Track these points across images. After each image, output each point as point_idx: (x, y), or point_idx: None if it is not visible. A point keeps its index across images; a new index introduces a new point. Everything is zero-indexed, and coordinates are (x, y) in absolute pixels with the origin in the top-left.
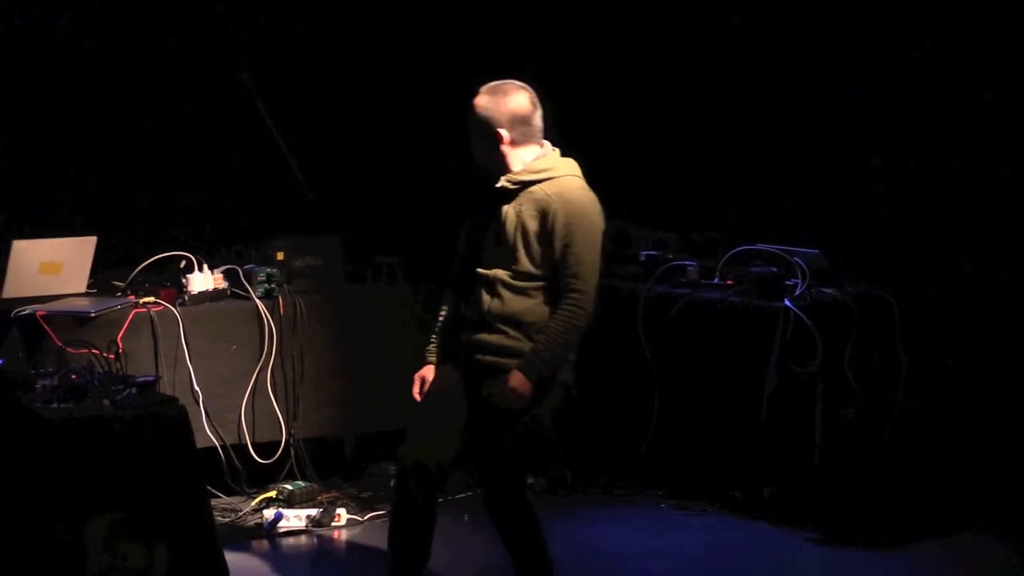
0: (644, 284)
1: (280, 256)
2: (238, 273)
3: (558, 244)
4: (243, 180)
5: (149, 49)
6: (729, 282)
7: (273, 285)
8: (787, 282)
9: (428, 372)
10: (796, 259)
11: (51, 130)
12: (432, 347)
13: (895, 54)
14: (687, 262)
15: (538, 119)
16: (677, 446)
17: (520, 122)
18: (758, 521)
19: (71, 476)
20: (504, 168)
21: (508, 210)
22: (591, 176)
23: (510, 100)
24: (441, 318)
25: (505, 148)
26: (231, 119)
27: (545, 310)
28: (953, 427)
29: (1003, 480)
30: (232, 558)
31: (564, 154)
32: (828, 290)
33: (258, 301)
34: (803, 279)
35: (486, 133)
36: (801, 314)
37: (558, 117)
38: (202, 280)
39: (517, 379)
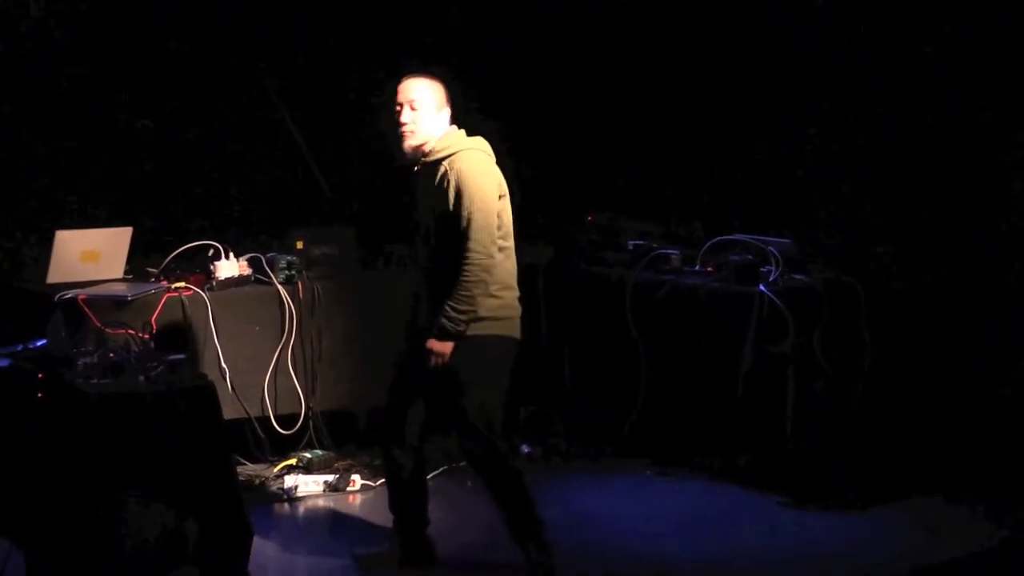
0: (631, 271)
1: (300, 245)
2: (261, 261)
3: (450, 203)
4: (265, 176)
5: (178, 53)
6: (709, 269)
7: (293, 272)
8: (762, 269)
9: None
10: (770, 248)
11: (91, 133)
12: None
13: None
14: (671, 251)
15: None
16: (661, 418)
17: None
18: (734, 487)
19: (109, 445)
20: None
21: (418, 188)
22: (585, 173)
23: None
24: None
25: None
26: (254, 120)
27: None
28: (913, 400)
29: (959, 448)
30: (257, 520)
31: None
32: (800, 276)
33: (279, 286)
34: (777, 266)
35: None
36: (775, 298)
37: (554, 118)
38: (228, 267)
39: (433, 344)
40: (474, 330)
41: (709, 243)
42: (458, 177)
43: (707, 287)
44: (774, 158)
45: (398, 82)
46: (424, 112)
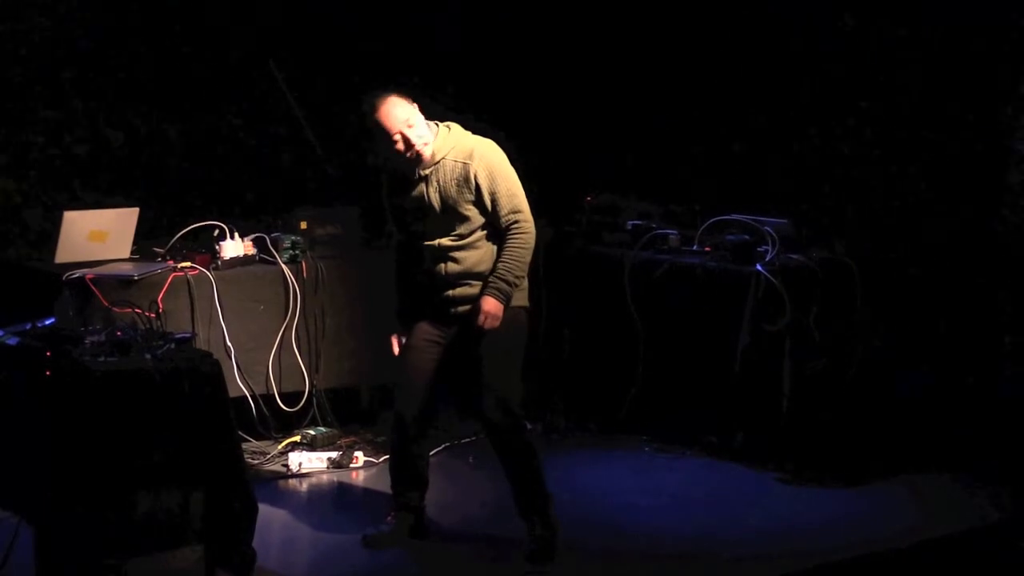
0: (631, 250)
1: (303, 225)
2: (266, 240)
3: (486, 195)
4: (270, 157)
5: (194, 41)
6: (707, 249)
7: (297, 251)
8: (758, 248)
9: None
10: (766, 228)
11: (103, 115)
12: (401, 312)
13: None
14: (669, 231)
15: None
16: (659, 396)
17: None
18: (731, 463)
19: (117, 423)
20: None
21: (427, 187)
22: (585, 153)
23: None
24: (400, 288)
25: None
26: (259, 101)
27: (491, 253)
28: (907, 378)
29: (954, 425)
30: (262, 496)
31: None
32: (795, 256)
33: (284, 266)
34: (773, 246)
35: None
36: (771, 277)
37: (554, 97)
38: (233, 247)
39: (489, 304)
40: (513, 300)
41: (707, 223)
42: (489, 168)
43: (704, 266)
44: (773, 139)
45: (373, 117)
46: (420, 123)
